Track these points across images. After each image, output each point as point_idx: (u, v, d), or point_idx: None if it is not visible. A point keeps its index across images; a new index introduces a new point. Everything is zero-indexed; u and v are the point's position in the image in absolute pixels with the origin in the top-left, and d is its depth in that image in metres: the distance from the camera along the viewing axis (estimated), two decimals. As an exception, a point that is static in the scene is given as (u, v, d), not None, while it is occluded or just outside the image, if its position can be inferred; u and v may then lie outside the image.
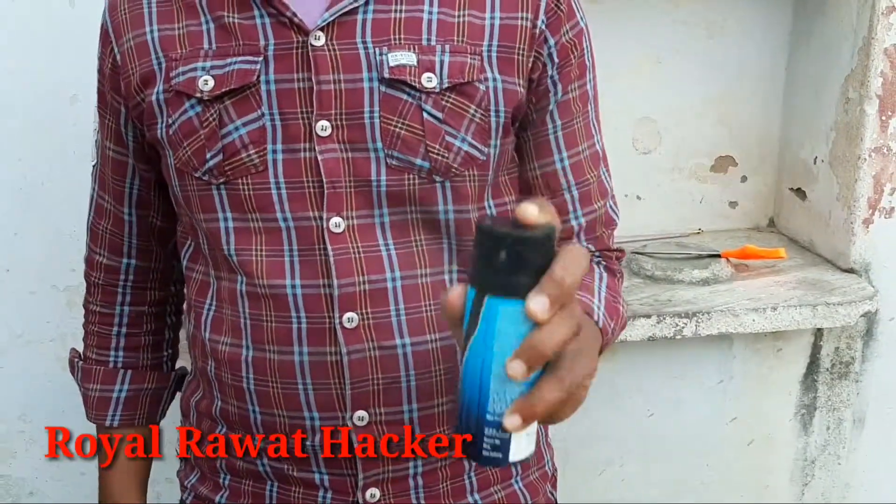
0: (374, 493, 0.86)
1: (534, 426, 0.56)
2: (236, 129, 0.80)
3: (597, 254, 0.93)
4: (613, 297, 0.88)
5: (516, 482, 0.94)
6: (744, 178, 1.70)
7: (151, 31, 0.84)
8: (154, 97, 0.83)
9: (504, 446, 0.54)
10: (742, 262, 1.55)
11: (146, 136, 0.88)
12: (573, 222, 0.91)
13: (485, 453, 0.54)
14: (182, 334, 1.07)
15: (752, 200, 1.72)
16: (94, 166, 0.99)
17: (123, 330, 1.02)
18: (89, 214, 1.00)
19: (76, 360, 1.04)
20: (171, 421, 1.46)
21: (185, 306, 1.03)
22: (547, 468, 1.00)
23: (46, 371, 1.46)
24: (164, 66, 0.83)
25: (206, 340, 0.88)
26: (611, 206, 0.94)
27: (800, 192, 1.64)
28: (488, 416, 0.53)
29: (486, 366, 0.52)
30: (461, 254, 0.85)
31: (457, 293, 0.57)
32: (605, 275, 0.90)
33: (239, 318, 0.84)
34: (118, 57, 0.86)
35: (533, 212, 0.53)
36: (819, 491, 1.67)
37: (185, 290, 1.00)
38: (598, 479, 1.59)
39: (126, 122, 0.91)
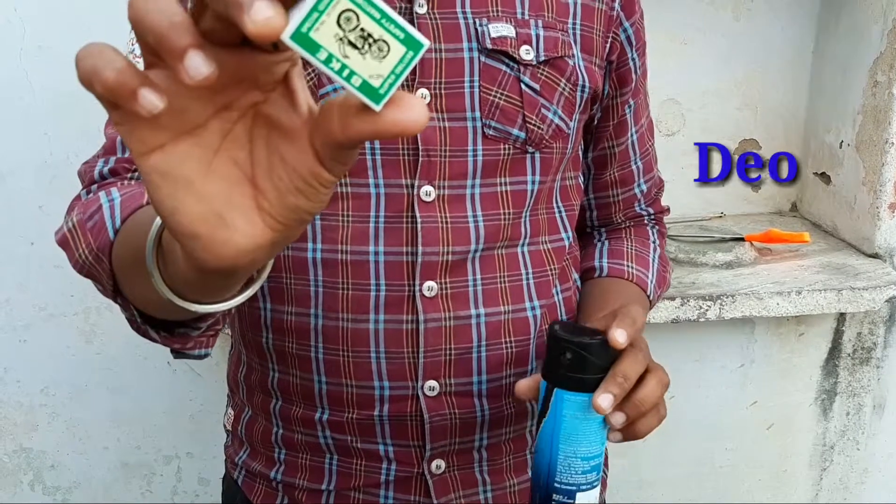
0: (439, 464, 0.85)
1: (596, 492, 0.67)
2: (335, 90, 0.79)
3: (652, 216, 1.02)
4: (663, 267, 0.98)
5: None
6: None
7: None
8: None
9: None
10: (765, 246, 1.54)
11: None
12: (636, 189, 0.99)
13: None
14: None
15: (776, 184, 1.71)
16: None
17: None
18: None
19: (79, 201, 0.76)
20: (204, 392, 1.46)
21: None
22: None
23: (70, 345, 1.46)
24: None
25: (265, 311, 0.86)
26: (658, 170, 1.02)
27: (824, 177, 1.63)
28: (556, 484, 0.66)
29: (554, 444, 0.64)
30: (534, 225, 0.87)
31: (530, 385, 0.74)
32: (657, 244, 1.00)
33: (308, 286, 0.83)
34: None
35: (621, 339, 0.68)
36: (837, 476, 1.67)
37: None
38: (619, 459, 1.59)
39: None
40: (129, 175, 0.78)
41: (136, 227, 0.61)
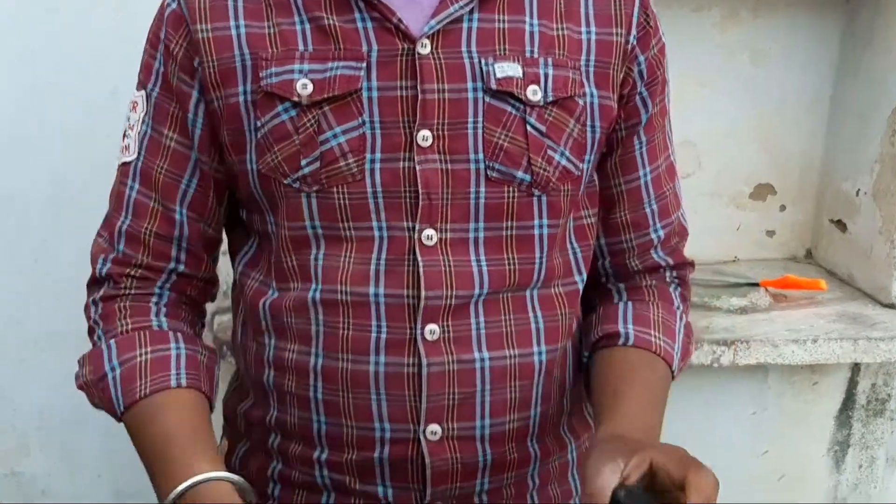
0: None
1: None
2: (335, 136, 0.78)
3: (673, 268, 0.94)
4: (688, 339, 0.92)
5: (565, 436, 0.92)
6: (783, 207, 1.67)
7: (237, 27, 0.79)
8: (241, 98, 0.79)
9: None
10: (781, 292, 1.52)
11: (218, 135, 0.82)
12: (652, 235, 0.91)
13: None
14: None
15: (791, 230, 1.69)
16: (127, 163, 0.86)
17: (163, 309, 0.87)
18: (122, 216, 0.86)
19: (100, 344, 0.85)
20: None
21: (234, 313, 0.95)
22: None
23: (69, 370, 1.43)
24: (250, 64, 0.79)
25: (269, 347, 0.84)
26: (682, 216, 0.94)
27: (840, 224, 1.61)
28: None
29: None
30: (548, 271, 0.83)
31: None
32: (682, 311, 0.93)
33: (309, 325, 0.81)
34: (196, 40, 0.80)
35: None
36: (849, 531, 1.63)
37: (235, 295, 0.93)
38: None
39: (197, 109, 0.82)
40: (122, 286, 0.86)
41: (142, 436, 0.80)
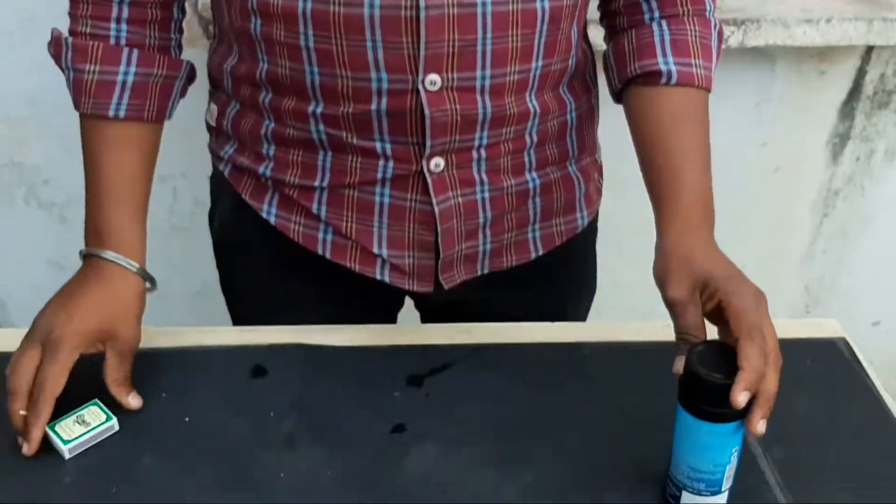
0: (438, 162, 0.83)
1: (705, 500, 0.70)
2: None
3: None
4: (720, 44, 0.89)
5: (570, 165, 0.92)
6: None
7: None
8: None
9: (676, 499, 0.71)
10: (797, -26, 1.44)
11: None
12: None
13: (667, 498, 0.73)
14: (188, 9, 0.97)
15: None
16: None
17: (125, 10, 0.85)
18: None
19: (63, 37, 0.86)
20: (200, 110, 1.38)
21: None
22: (598, 157, 0.99)
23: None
24: None
25: None
26: None
27: None
28: (670, 476, 0.71)
29: (675, 440, 0.70)
30: None
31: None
32: (713, 10, 0.88)
33: None
34: None
35: (760, 431, 0.66)
36: (838, 222, 1.67)
37: None
38: (620, 198, 1.57)
39: None
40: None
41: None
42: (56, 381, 0.75)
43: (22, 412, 0.74)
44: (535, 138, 0.87)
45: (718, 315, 0.72)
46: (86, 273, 0.84)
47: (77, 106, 0.86)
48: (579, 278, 1.04)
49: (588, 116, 0.93)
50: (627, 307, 1.64)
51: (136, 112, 0.86)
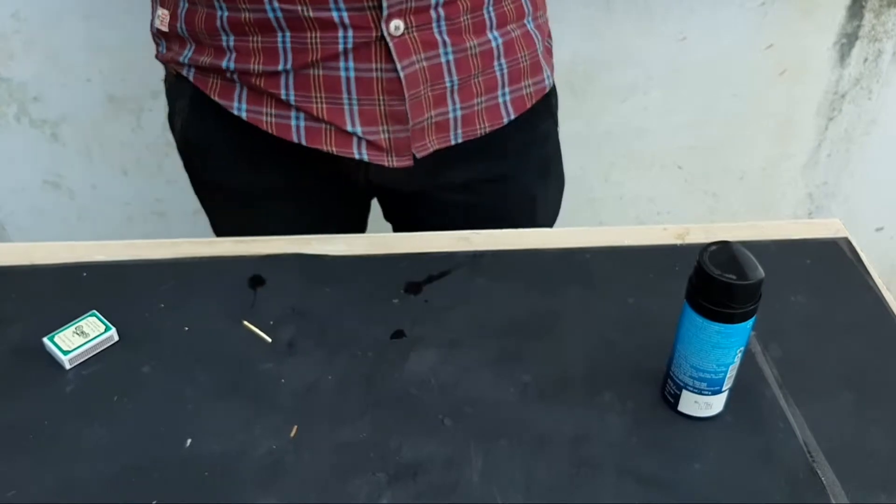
0: (398, 24, 0.81)
1: (705, 399, 0.71)
2: None
3: None
4: None
5: (528, 22, 0.92)
6: None
7: None
8: None
9: (676, 398, 0.72)
10: None
11: None
12: None
13: (665, 396, 0.73)
14: None
15: None
16: None
17: None
18: None
19: None
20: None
21: None
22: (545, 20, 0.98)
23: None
24: None
25: None
26: None
27: None
28: (671, 374, 0.72)
29: (677, 344, 0.70)
30: None
31: None
32: None
33: None
34: None
35: None
36: (843, 126, 1.64)
37: None
38: (621, 106, 1.54)
39: None
40: None
41: None
42: None
43: None
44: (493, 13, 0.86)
45: None
46: None
47: None
48: (549, 160, 1.03)
49: None
50: (631, 218, 1.63)
51: None
